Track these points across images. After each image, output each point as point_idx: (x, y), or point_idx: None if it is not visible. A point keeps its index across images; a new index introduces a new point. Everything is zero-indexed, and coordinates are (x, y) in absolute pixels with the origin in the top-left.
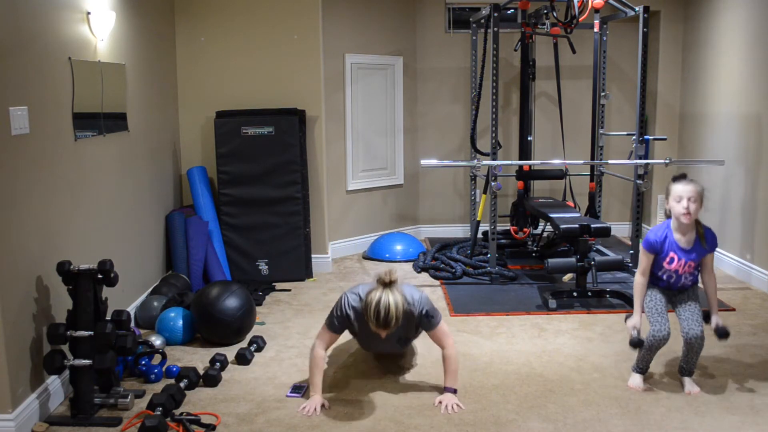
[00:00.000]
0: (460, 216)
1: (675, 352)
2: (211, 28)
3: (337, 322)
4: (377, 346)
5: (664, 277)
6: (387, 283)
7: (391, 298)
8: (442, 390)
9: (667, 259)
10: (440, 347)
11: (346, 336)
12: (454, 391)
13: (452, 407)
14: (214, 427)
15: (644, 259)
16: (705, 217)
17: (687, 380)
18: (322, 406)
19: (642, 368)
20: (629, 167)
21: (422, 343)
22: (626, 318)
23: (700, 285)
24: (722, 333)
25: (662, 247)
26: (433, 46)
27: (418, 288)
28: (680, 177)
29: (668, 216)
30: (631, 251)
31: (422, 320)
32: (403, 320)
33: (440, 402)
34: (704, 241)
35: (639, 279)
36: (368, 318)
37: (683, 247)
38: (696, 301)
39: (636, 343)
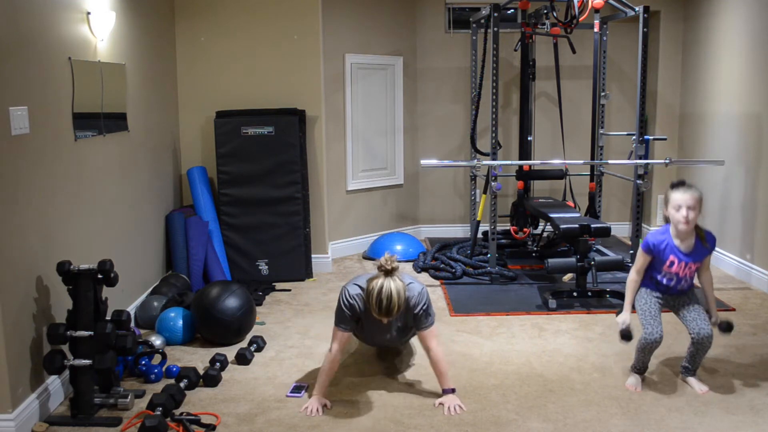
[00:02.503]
0: (460, 216)
1: (674, 352)
2: (211, 28)
3: (345, 317)
4: (378, 336)
5: (664, 281)
6: (388, 271)
7: (393, 285)
8: (441, 392)
9: (668, 263)
10: (426, 348)
11: None
12: (453, 391)
13: (455, 408)
14: (214, 427)
15: (641, 259)
16: (705, 219)
17: (693, 380)
18: (324, 406)
19: (639, 369)
20: (629, 167)
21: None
22: (617, 314)
23: (696, 284)
24: (726, 327)
25: (662, 252)
26: (433, 46)
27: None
28: (679, 184)
29: (667, 221)
30: (631, 251)
31: (420, 317)
32: (403, 307)
33: (441, 404)
34: (705, 242)
35: (633, 276)
36: (371, 305)
37: (683, 251)
38: (698, 302)
39: (625, 334)
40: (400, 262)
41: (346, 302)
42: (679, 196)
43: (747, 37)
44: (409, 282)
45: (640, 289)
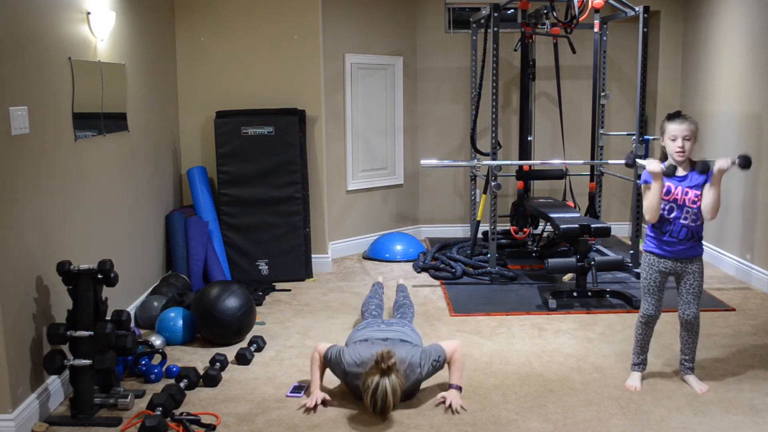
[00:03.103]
0: (460, 216)
1: (674, 352)
2: (211, 28)
3: (332, 366)
4: None
5: (665, 212)
6: (385, 370)
7: (389, 386)
8: (447, 386)
9: (664, 190)
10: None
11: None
12: (459, 389)
13: (456, 408)
14: (214, 427)
15: (647, 188)
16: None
17: (693, 379)
18: (324, 401)
19: (639, 361)
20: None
21: None
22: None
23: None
24: (744, 162)
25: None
26: (433, 46)
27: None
28: (674, 115)
29: (664, 156)
30: (631, 251)
31: (434, 369)
32: (399, 403)
33: (444, 399)
34: (697, 165)
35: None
36: (365, 402)
37: (678, 175)
38: (700, 281)
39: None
40: (399, 262)
41: (339, 360)
42: (674, 127)
43: (747, 37)
44: (408, 360)
45: (644, 257)
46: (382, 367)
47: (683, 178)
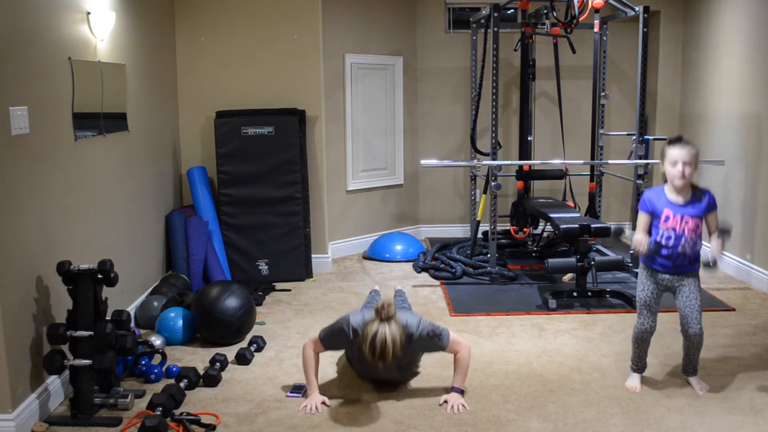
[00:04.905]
0: (460, 216)
1: (674, 352)
2: (211, 28)
3: (332, 339)
4: (376, 373)
5: (663, 240)
6: (384, 318)
7: (388, 332)
8: (449, 389)
9: (663, 218)
10: (456, 353)
11: None
12: (461, 392)
13: (458, 407)
14: (214, 427)
15: (641, 219)
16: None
17: (694, 380)
18: (323, 403)
19: (638, 366)
20: (629, 167)
21: None
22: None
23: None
24: (723, 231)
25: (657, 206)
26: (433, 46)
27: (415, 313)
28: (675, 140)
29: (665, 179)
30: (631, 251)
31: (432, 342)
32: (399, 353)
33: (446, 401)
34: (700, 193)
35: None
36: (365, 351)
37: (678, 203)
38: (697, 293)
39: (616, 231)
40: (399, 262)
41: (342, 329)
42: (675, 152)
43: (747, 37)
44: (406, 319)
45: (641, 270)
46: (381, 315)
47: (684, 206)
